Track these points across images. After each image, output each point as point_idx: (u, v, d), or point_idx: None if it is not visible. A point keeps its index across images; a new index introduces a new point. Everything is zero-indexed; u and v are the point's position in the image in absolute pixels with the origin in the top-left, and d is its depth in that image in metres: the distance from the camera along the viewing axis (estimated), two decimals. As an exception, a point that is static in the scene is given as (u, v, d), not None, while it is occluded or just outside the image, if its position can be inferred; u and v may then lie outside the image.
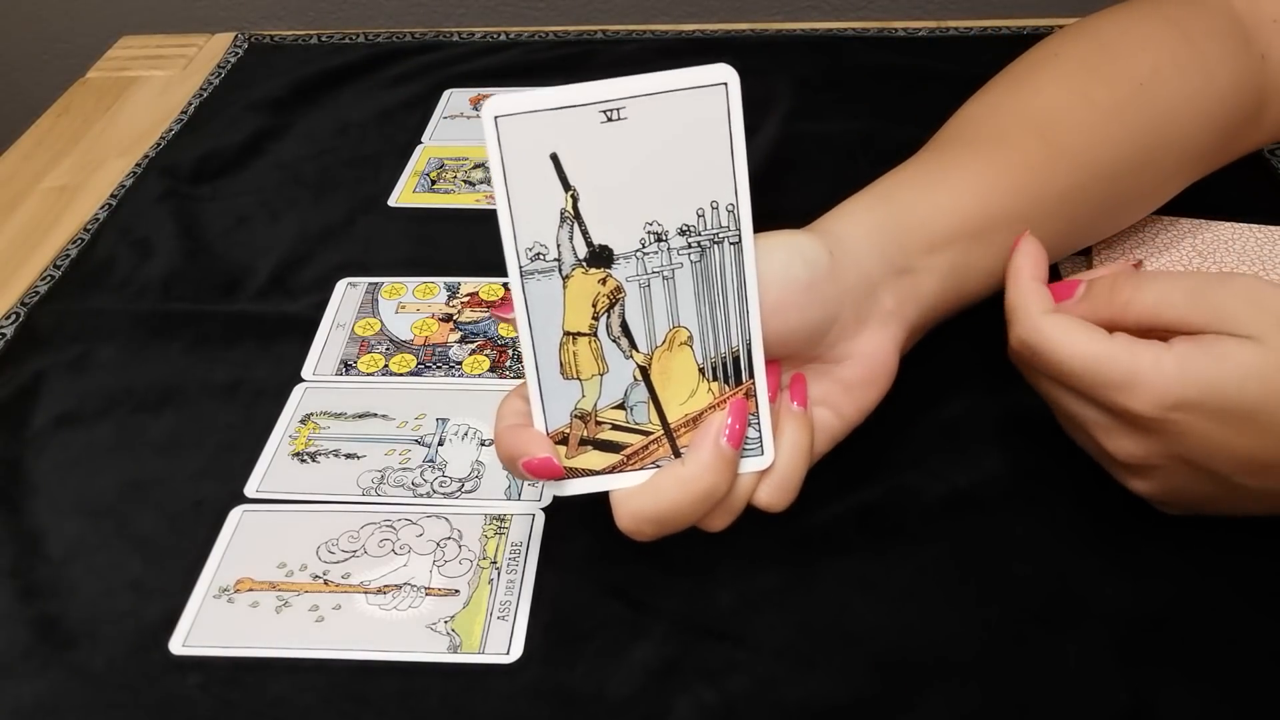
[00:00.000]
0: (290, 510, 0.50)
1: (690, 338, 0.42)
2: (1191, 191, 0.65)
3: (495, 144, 0.39)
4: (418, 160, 0.73)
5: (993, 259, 0.49)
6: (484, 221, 0.67)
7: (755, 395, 0.43)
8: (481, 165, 0.72)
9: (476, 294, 0.61)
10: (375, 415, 0.54)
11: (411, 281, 0.63)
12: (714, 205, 0.41)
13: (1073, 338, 0.42)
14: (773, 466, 0.43)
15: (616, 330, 0.41)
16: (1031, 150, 0.52)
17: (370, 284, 0.63)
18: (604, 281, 0.41)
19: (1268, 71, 0.57)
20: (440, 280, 0.62)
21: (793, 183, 0.67)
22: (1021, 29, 0.85)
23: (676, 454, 0.42)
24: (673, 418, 0.42)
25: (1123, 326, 0.42)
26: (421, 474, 0.51)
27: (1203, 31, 0.56)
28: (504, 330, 0.59)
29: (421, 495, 0.50)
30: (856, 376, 0.46)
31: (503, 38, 0.88)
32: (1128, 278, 0.43)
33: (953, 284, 0.50)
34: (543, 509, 0.49)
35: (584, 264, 0.40)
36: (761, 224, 0.42)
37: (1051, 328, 0.42)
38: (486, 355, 0.58)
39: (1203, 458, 0.40)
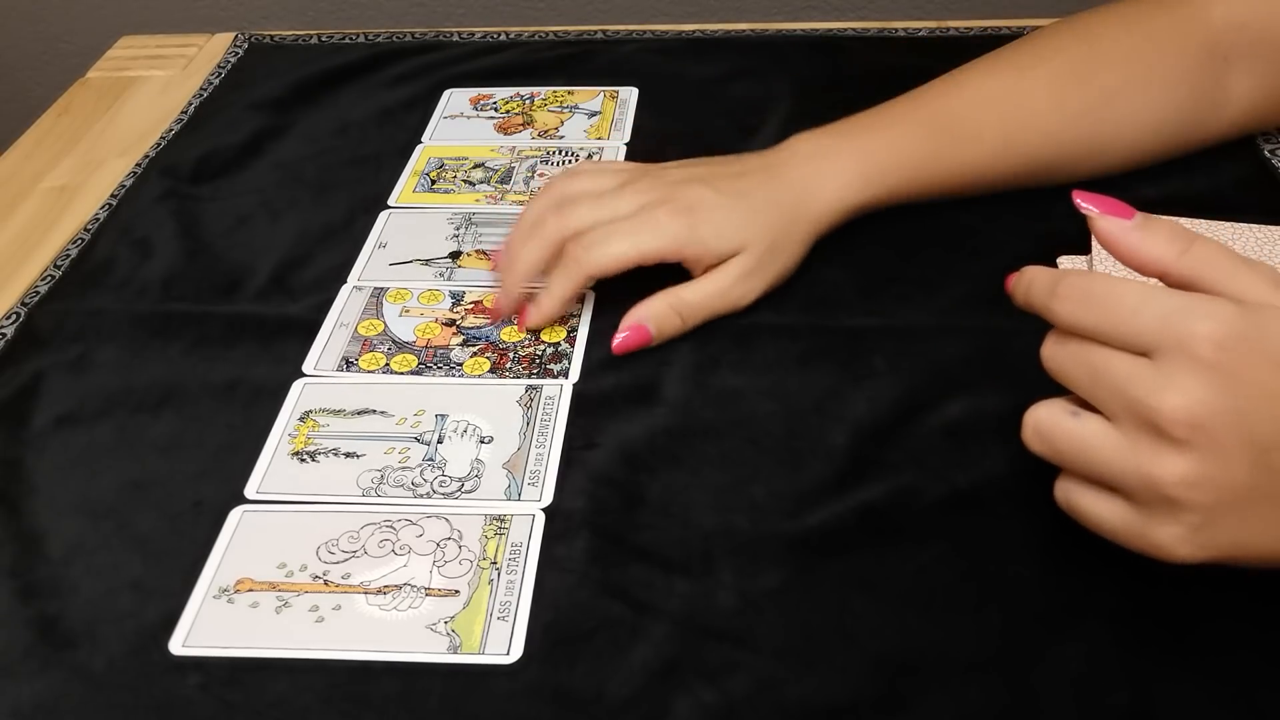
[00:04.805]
0: (290, 510, 0.50)
1: None
2: (1192, 191, 0.66)
3: None
4: (418, 160, 0.73)
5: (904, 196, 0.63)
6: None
7: None
8: (481, 165, 0.72)
9: (481, 301, 0.61)
10: (374, 412, 0.54)
11: (417, 287, 0.62)
12: None
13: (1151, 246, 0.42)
14: None
15: None
16: (989, 143, 0.63)
17: (376, 288, 0.63)
18: None
19: (1229, 75, 0.65)
20: (445, 287, 0.62)
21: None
22: (1021, 29, 0.84)
23: None
24: None
25: (1170, 270, 0.42)
26: (421, 473, 0.51)
27: (1177, 49, 0.64)
28: (506, 335, 0.59)
29: (421, 495, 0.50)
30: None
31: (503, 38, 0.88)
32: (1181, 227, 0.42)
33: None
34: (543, 509, 0.49)
35: None
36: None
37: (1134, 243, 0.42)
38: (487, 358, 0.58)
39: (1251, 409, 0.39)
